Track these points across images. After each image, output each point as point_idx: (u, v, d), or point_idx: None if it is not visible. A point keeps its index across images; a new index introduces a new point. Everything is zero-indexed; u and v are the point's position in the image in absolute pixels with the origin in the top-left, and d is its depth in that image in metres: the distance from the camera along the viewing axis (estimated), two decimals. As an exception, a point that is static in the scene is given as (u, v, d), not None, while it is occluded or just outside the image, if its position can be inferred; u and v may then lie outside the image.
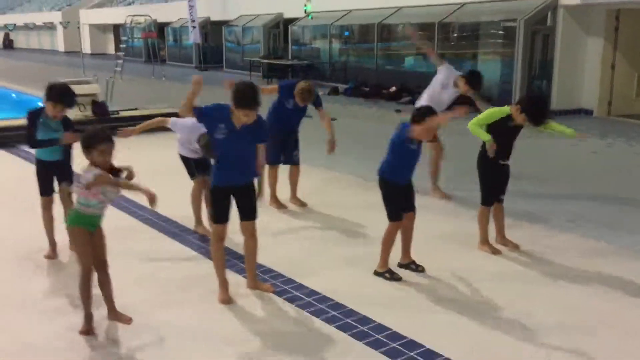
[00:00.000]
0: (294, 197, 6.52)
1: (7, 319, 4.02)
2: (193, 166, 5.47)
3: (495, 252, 5.20)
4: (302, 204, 6.47)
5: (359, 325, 3.92)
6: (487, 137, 4.99)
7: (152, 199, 3.78)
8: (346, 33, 19.33)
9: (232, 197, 4.24)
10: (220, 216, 4.21)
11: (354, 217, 6.14)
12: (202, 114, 4.11)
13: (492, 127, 5.07)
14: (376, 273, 4.72)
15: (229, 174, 4.17)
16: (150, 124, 5.44)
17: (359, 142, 9.81)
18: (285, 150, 6.33)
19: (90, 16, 38.96)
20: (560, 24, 12.74)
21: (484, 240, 5.27)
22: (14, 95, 18.05)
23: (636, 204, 6.67)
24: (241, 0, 26.02)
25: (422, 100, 6.62)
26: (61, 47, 43.59)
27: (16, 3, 54.45)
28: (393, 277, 4.68)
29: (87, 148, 3.71)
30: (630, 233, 5.69)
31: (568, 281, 4.64)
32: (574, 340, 3.76)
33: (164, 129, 5.60)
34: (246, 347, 3.69)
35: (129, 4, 38.55)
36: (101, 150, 3.70)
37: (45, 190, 5.06)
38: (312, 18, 20.23)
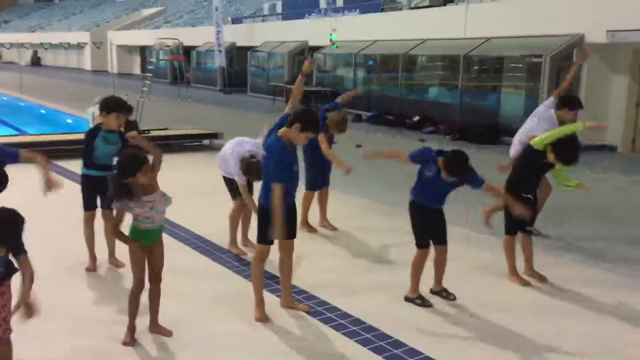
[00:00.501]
0: (324, 219, 6.64)
1: (52, 328, 4.16)
2: (236, 188, 5.58)
3: (524, 283, 5.27)
4: (333, 228, 6.59)
5: (392, 349, 4.02)
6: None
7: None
8: (370, 62, 19.62)
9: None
10: (268, 238, 4.34)
11: (384, 242, 6.24)
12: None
13: (526, 158, 5.21)
14: (407, 299, 4.82)
15: (290, 194, 4.34)
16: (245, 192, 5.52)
17: (386, 170, 9.94)
18: (323, 174, 6.48)
19: (118, 37, 39.86)
20: (586, 61, 12.86)
21: (512, 271, 5.35)
22: (42, 111, 18.52)
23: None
24: (267, 27, 26.56)
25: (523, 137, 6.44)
26: (88, 66, 44.56)
27: (45, 22, 55.92)
28: (424, 303, 4.76)
29: (132, 174, 3.77)
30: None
31: (598, 314, 4.69)
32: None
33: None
34: (283, 365, 3.80)
35: (156, 27, 39.44)
36: (144, 171, 3.80)
37: (89, 205, 5.24)
38: (337, 47, 20.57)
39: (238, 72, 28.48)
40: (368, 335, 4.19)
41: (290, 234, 4.45)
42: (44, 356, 3.84)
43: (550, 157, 5.03)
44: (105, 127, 5.04)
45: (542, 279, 5.35)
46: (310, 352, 3.98)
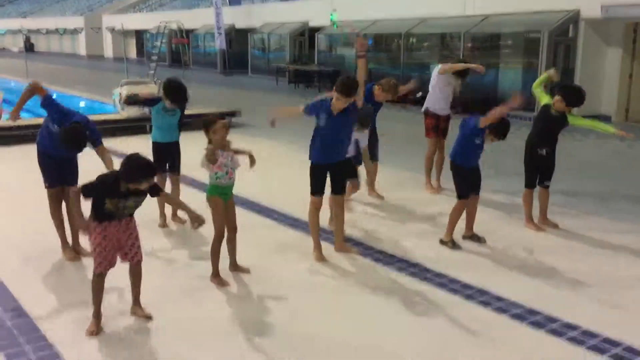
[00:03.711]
0: (372, 189, 7.19)
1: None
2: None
3: (539, 229, 6.04)
4: (380, 197, 7.10)
5: (435, 278, 4.79)
6: (545, 98, 5.96)
7: (252, 160, 4.79)
8: (370, 41, 20.20)
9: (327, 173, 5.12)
10: (318, 189, 5.10)
11: (417, 202, 6.98)
12: (307, 111, 5.02)
13: (539, 117, 5.94)
14: (441, 242, 5.58)
15: (328, 154, 5.05)
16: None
17: (398, 141, 10.65)
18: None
19: (112, 21, 40.11)
20: (582, 35, 13.60)
21: (529, 219, 6.12)
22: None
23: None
24: (266, 8, 27.03)
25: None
26: (83, 51, 44.81)
27: (37, 7, 55.80)
28: (454, 246, 5.53)
29: (205, 129, 4.54)
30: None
31: (605, 249, 5.50)
32: (615, 291, 4.61)
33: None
34: (349, 292, 4.56)
35: (152, 11, 39.70)
36: (214, 129, 4.51)
37: (161, 168, 5.94)
38: (337, 27, 21.14)
39: (237, 54, 28.99)
40: (414, 270, 4.96)
41: (341, 189, 5.22)
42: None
43: (560, 106, 5.84)
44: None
45: (555, 225, 6.12)
46: (368, 284, 4.71)
